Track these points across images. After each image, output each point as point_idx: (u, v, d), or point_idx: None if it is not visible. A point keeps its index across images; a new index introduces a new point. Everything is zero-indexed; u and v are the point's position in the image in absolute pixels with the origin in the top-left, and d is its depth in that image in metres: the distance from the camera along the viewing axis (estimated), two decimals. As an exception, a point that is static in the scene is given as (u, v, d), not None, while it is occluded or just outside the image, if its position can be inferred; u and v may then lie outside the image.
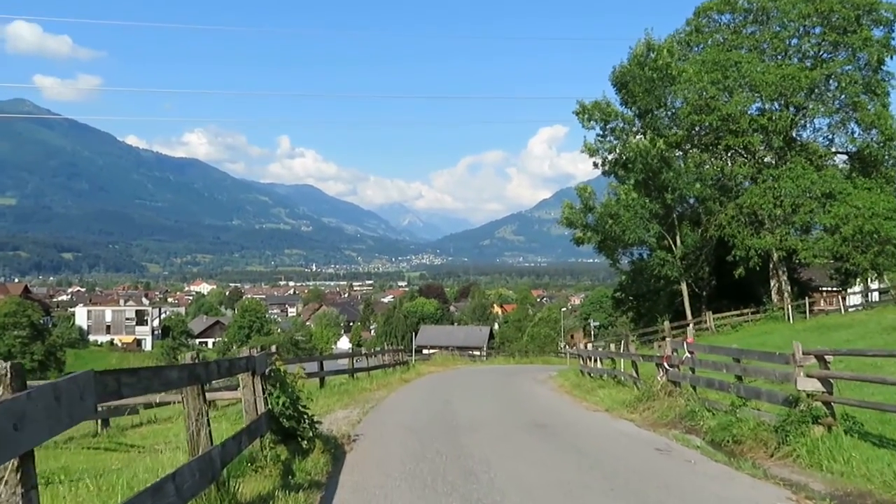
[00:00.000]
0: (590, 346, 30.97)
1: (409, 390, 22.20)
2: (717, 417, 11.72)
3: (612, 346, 21.01)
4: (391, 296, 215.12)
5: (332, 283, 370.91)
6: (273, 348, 19.43)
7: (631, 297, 55.06)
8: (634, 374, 17.56)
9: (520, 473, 8.39)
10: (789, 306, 37.55)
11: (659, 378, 15.17)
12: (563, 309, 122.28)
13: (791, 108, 37.38)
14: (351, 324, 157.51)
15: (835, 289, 55.14)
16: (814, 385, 9.42)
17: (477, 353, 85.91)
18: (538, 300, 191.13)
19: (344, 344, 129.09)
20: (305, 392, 10.10)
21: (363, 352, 26.63)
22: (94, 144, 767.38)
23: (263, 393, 8.84)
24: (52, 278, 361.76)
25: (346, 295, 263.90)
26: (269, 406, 8.90)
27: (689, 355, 13.64)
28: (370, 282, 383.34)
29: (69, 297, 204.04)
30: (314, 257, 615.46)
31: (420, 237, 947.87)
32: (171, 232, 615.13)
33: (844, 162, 41.03)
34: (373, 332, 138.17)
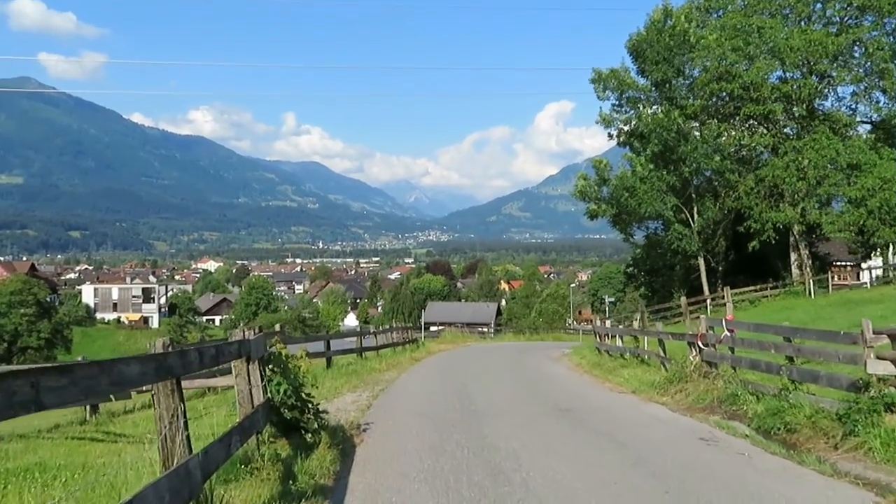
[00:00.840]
0: (607, 322, 29.79)
1: (421, 370, 21.18)
2: (764, 402, 10.62)
3: (636, 322, 19.89)
4: (398, 272, 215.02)
5: (338, 261, 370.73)
6: (277, 327, 18.45)
7: (643, 273, 53.89)
8: (662, 354, 16.43)
9: (556, 472, 7.29)
10: (811, 281, 36.30)
11: (691, 358, 14.06)
12: (573, 285, 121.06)
13: (814, 76, 35.82)
14: (358, 301, 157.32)
15: (850, 263, 53.96)
16: (886, 368, 8.29)
17: (484, 329, 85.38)
18: (546, 276, 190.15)
19: (351, 321, 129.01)
20: (310, 377, 9.02)
21: (371, 330, 25.57)
22: (99, 122, 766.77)
23: (262, 380, 7.78)
24: (59, 256, 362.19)
25: (352, 272, 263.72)
26: (269, 395, 7.85)
27: (727, 334, 12.50)
28: (377, 259, 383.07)
29: (77, 275, 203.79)
30: (321, 234, 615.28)
31: (426, 214, 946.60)
32: (177, 210, 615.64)
33: (868, 132, 39.49)
34: (380, 308, 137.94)
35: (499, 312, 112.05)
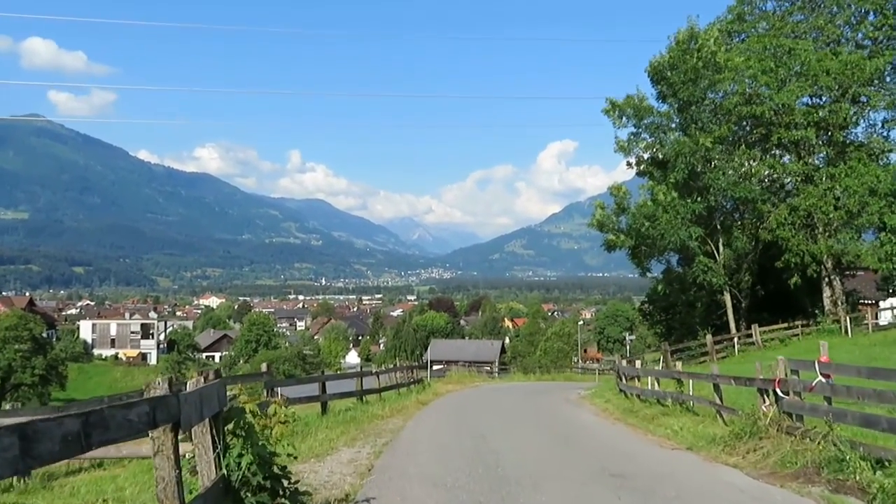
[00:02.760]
0: (638, 363, 27.20)
1: (430, 416, 18.56)
2: (890, 473, 8.10)
3: (679, 364, 17.32)
4: (401, 309, 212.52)
5: (341, 297, 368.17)
6: (263, 367, 15.96)
7: (660, 310, 51.28)
8: (718, 401, 13.87)
9: None
10: (847, 318, 33.71)
11: (763, 409, 11.53)
12: (580, 322, 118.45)
13: (847, 101, 33.63)
14: (360, 338, 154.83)
15: (870, 301, 51.19)
16: None
17: (488, 367, 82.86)
18: (549, 314, 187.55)
19: (353, 358, 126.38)
20: (287, 438, 6.51)
21: (373, 370, 22.87)
22: (106, 159, 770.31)
23: (215, 448, 5.33)
24: (62, 292, 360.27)
25: (355, 309, 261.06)
26: (225, 470, 5.39)
27: (822, 380, 9.95)
28: (379, 296, 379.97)
29: (78, 310, 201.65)
30: (324, 271, 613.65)
31: (429, 251, 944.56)
32: (181, 246, 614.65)
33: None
34: (382, 346, 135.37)
35: (503, 350, 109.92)
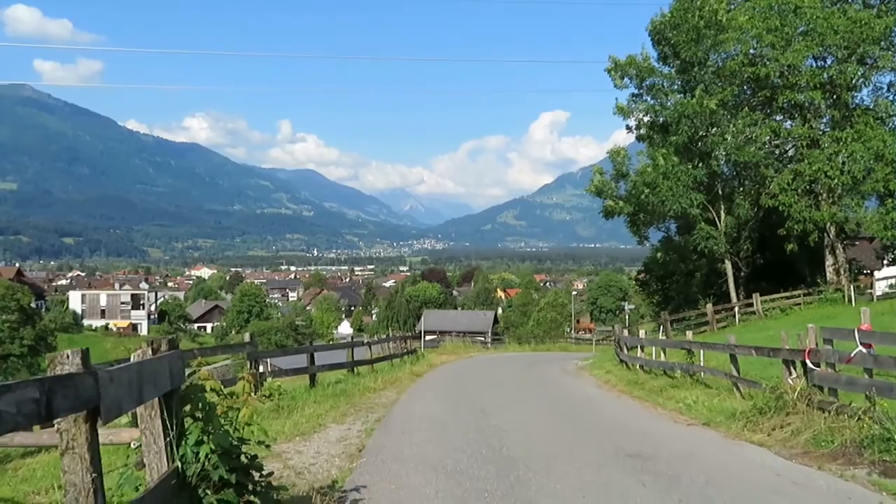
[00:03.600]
0: (625, 332, 26.40)
1: (425, 389, 17.59)
2: (950, 455, 7.16)
3: (690, 334, 16.34)
4: (393, 280, 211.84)
5: (333, 268, 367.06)
6: (246, 337, 14.92)
7: (656, 279, 50.43)
8: (735, 373, 12.92)
9: None
10: (851, 287, 32.86)
11: (789, 381, 10.58)
12: (574, 293, 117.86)
13: (854, 61, 32.33)
14: (352, 308, 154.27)
15: (867, 272, 50.30)
16: None
17: (481, 338, 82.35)
18: (542, 285, 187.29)
19: (345, 329, 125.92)
20: (259, 421, 5.44)
21: (365, 340, 21.78)
22: (94, 129, 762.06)
23: (167, 436, 4.30)
24: (52, 263, 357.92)
25: (347, 279, 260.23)
26: (180, 462, 4.37)
27: (863, 350, 8.97)
28: (371, 266, 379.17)
29: (68, 281, 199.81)
30: (315, 242, 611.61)
31: (421, 222, 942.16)
32: (172, 217, 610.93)
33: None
34: (374, 316, 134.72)
35: (496, 321, 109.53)
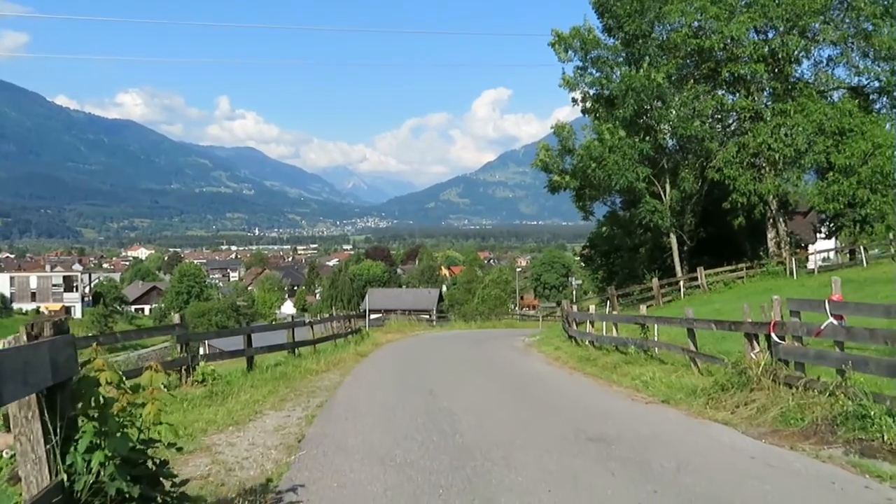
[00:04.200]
0: (575, 307, 26.06)
1: (370, 370, 16.80)
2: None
3: (643, 308, 15.87)
4: (336, 259, 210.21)
5: (275, 248, 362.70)
6: (176, 318, 13.88)
7: (601, 255, 50.45)
8: (692, 348, 12.47)
9: None
10: (793, 260, 33.17)
11: (752, 356, 10.13)
12: (519, 269, 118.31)
13: (795, 33, 32.34)
14: (295, 288, 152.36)
15: (804, 245, 51.25)
16: None
17: (426, 315, 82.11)
18: (486, 262, 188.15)
19: (288, 309, 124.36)
20: (164, 427, 4.53)
21: (307, 320, 20.69)
22: (21, 105, 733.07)
23: (49, 442, 3.45)
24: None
25: (290, 259, 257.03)
26: (68, 473, 3.52)
27: (833, 322, 8.49)
28: (315, 245, 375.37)
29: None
30: (257, 221, 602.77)
31: (364, 200, 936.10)
32: (106, 196, 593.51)
33: (842, 97, 36.45)
34: (318, 296, 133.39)
35: (440, 298, 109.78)
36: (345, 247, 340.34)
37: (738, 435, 8.36)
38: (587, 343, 20.10)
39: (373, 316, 67.32)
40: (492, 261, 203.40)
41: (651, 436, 8.32)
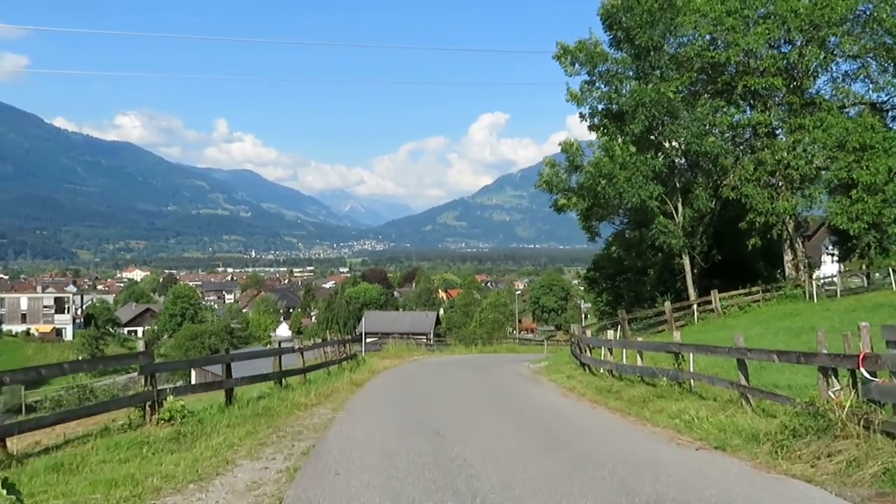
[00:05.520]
0: (588, 332, 24.27)
1: (366, 404, 14.94)
2: None
3: (678, 335, 14.06)
4: (333, 281, 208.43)
5: (271, 270, 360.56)
6: (140, 345, 12.04)
7: (606, 277, 48.68)
8: (743, 382, 10.67)
9: None
10: (813, 284, 31.45)
11: (829, 394, 8.38)
12: (517, 292, 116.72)
13: (815, 45, 30.84)
14: (291, 310, 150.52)
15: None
16: None
17: (424, 338, 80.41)
18: (483, 285, 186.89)
19: (283, 331, 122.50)
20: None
21: (295, 346, 18.60)
22: (19, 126, 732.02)
23: None
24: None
25: (286, 281, 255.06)
26: None
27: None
28: (311, 268, 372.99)
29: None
30: (253, 243, 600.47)
31: (361, 223, 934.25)
32: (103, 217, 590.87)
33: (859, 113, 34.92)
34: (314, 318, 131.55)
35: (438, 321, 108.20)
36: (341, 269, 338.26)
37: (832, 498, 6.59)
38: (604, 372, 18.33)
39: (369, 339, 65.49)
40: (489, 284, 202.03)
41: (722, 500, 6.53)
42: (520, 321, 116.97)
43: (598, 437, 10.35)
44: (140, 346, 10.87)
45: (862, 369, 7.80)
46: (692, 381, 13.09)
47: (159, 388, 11.26)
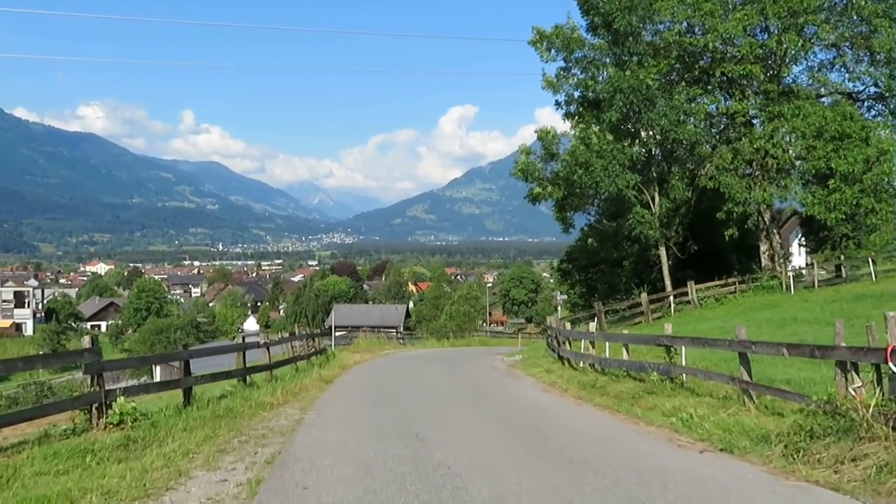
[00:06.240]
0: (567, 325, 23.48)
1: (337, 402, 13.97)
2: None
3: (669, 327, 13.27)
4: (301, 275, 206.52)
5: (239, 263, 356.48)
6: (86, 341, 10.84)
7: (579, 269, 48.09)
8: (746, 378, 9.91)
9: None
10: (790, 275, 31.07)
11: (850, 391, 7.64)
12: (489, 285, 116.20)
13: (793, 31, 30.31)
14: (259, 304, 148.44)
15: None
16: None
17: (393, 332, 79.44)
18: (453, 278, 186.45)
19: (251, 325, 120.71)
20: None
21: (260, 341, 17.34)
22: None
23: None
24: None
25: (254, 274, 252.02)
26: None
27: None
28: (279, 261, 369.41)
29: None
30: (221, 236, 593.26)
31: (331, 216, 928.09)
32: (65, 210, 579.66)
33: (836, 102, 34.57)
34: (282, 312, 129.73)
35: (408, 314, 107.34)
36: (310, 262, 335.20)
37: (858, 506, 5.82)
38: (585, 366, 17.57)
39: (338, 333, 64.34)
40: (459, 277, 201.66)
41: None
42: (490, 314, 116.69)
43: (591, 439, 9.52)
44: (85, 342, 9.74)
45: (890, 363, 7.04)
46: (684, 375, 12.34)
47: (109, 387, 10.23)
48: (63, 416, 10.05)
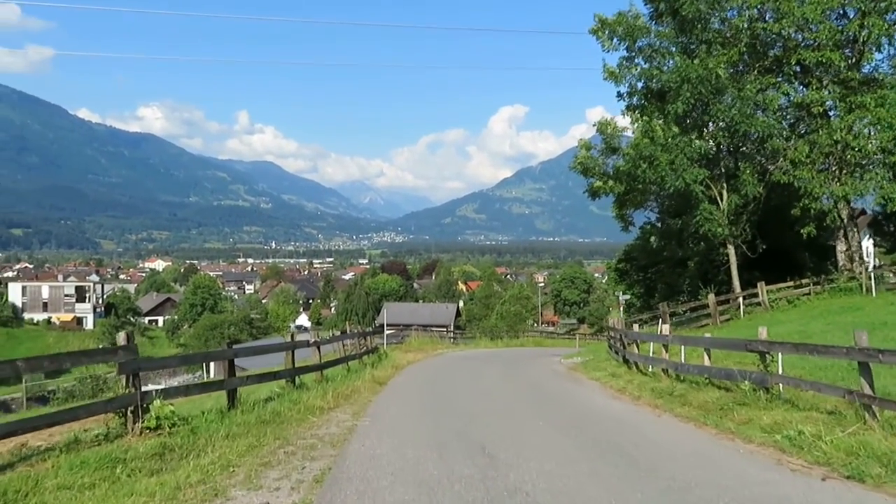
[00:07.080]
0: (636, 327, 22.08)
1: (392, 408, 12.93)
2: None
3: (763, 331, 11.87)
4: (352, 273, 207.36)
5: (291, 261, 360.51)
6: (121, 337, 9.89)
7: (637, 269, 46.34)
8: (867, 391, 8.53)
9: None
10: (872, 276, 29.05)
11: None
12: (541, 284, 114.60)
13: (877, 14, 28.25)
14: (310, 301, 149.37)
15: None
16: None
17: (444, 330, 78.54)
18: (503, 277, 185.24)
19: (303, 321, 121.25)
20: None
21: (311, 340, 16.21)
22: (44, 117, 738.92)
23: None
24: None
25: (305, 272, 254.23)
26: None
27: None
28: (331, 259, 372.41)
29: (15, 273, 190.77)
30: (274, 235, 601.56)
31: (381, 215, 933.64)
32: (126, 208, 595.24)
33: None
34: (333, 309, 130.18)
35: (458, 313, 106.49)
36: (361, 261, 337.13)
37: None
38: (657, 371, 16.21)
39: (389, 331, 63.74)
40: (509, 276, 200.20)
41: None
42: (542, 314, 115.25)
43: (686, 458, 8.26)
44: (120, 338, 8.86)
45: None
46: (781, 385, 10.95)
47: (156, 387, 9.37)
48: (97, 419, 9.19)
